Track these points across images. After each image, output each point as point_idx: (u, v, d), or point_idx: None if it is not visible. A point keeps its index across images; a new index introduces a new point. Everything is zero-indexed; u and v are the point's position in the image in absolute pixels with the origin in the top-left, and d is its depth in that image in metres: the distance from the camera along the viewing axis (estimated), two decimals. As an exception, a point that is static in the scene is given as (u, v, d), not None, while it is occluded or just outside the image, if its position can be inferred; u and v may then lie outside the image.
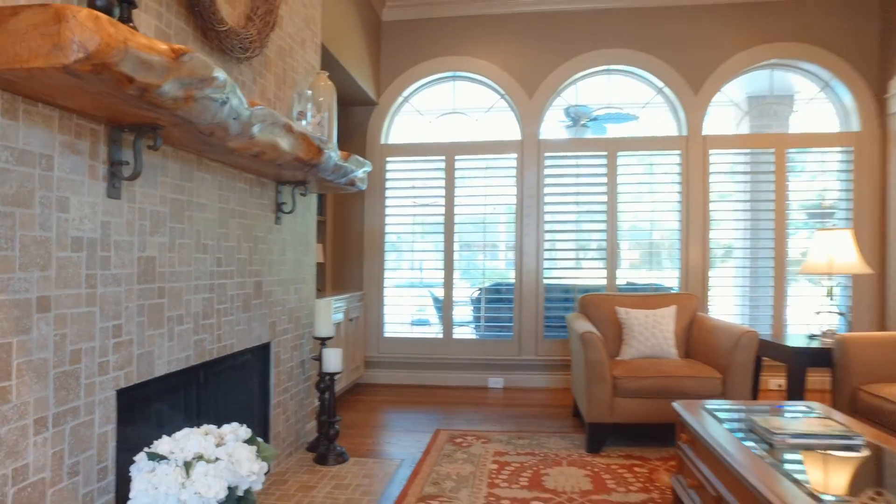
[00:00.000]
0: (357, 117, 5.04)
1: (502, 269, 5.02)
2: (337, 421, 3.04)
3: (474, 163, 4.95)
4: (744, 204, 4.80)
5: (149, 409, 2.05)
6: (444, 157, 4.92)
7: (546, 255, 4.83)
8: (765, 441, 1.93)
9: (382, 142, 5.04)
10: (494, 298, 4.99)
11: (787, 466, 1.68)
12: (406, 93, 5.05)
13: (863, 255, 4.49)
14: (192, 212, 2.23)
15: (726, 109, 5.03)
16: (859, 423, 2.09)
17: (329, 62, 3.91)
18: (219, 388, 2.45)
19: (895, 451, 1.83)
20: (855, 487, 1.62)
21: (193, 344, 2.22)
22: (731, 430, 2.05)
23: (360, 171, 3.13)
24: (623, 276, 4.98)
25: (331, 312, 3.14)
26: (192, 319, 2.22)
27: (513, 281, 4.85)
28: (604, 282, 4.77)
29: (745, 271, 4.77)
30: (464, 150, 4.92)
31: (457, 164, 4.92)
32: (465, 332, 5.09)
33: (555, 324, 4.83)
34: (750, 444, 1.89)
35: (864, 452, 1.82)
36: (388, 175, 5.01)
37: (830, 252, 3.33)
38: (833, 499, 1.48)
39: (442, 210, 4.91)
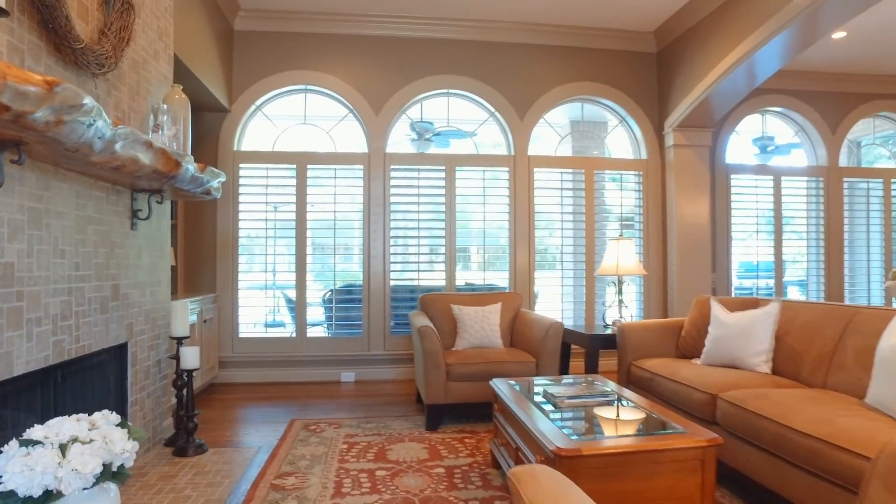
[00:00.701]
0: (209, 123, 5.12)
1: (353, 271, 5.39)
2: (195, 415, 3.23)
3: (325, 172, 5.26)
4: (565, 215, 5.64)
5: (6, 408, 2.15)
6: (295, 166, 5.18)
7: (392, 258, 5.29)
8: (551, 402, 2.53)
9: (235, 148, 5.17)
10: (345, 299, 5.35)
11: (552, 413, 2.29)
12: (259, 102, 5.23)
13: (650, 259, 5.52)
14: (51, 219, 2.35)
15: (548, 130, 5.86)
16: (628, 389, 2.78)
17: (181, 71, 4.02)
18: (77, 386, 2.56)
19: (631, 401, 2.53)
20: (589, 418, 2.25)
21: (52, 345, 2.34)
22: (525, 395, 2.64)
23: (216, 181, 3.34)
24: (463, 278, 5.61)
25: (187, 313, 3.31)
26: (51, 321, 2.34)
27: (362, 282, 5.25)
28: (444, 283, 5.34)
29: (569, 273, 5.60)
30: (315, 160, 5.22)
31: (309, 173, 5.20)
32: (317, 331, 5.39)
33: (401, 321, 5.31)
34: (542, 404, 2.48)
35: (610, 403, 2.50)
36: (241, 181, 5.16)
37: (617, 257, 4.16)
38: (559, 416, 2.10)
39: (294, 216, 5.16)
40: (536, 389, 2.80)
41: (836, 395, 2.59)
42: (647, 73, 5.73)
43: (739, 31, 4.41)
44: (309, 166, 5.21)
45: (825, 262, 6.15)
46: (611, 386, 2.86)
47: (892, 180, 6.45)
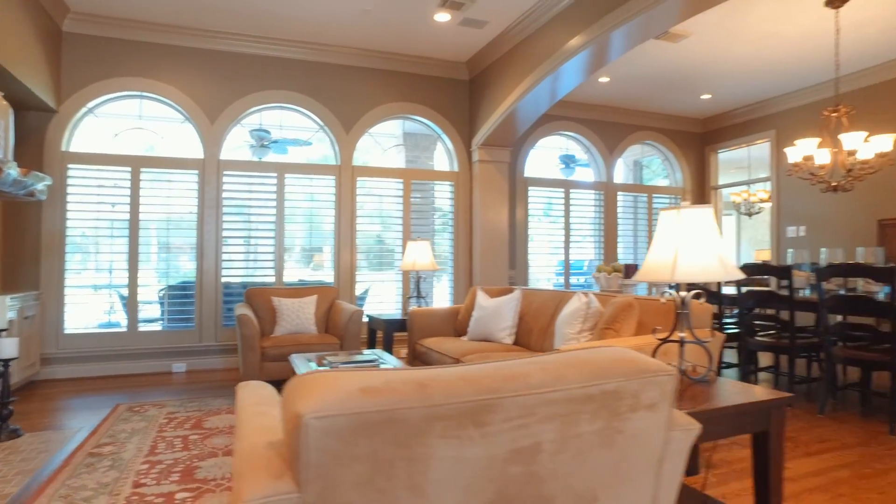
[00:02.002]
0: (33, 122, 5.21)
1: (188, 269, 5.75)
2: (11, 401, 3.52)
3: (160, 175, 5.58)
4: (392, 219, 6.40)
5: None
6: (130, 169, 5.44)
7: (225, 257, 5.74)
8: (317, 363, 3.24)
9: (63, 149, 5.32)
10: (180, 294, 5.70)
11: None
12: (92, 104, 5.42)
13: (459, 257, 6.43)
14: None
15: (381, 141, 6.61)
16: (414, 363, 3.55)
17: (0, 72, 4.15)
18: None
19: (386, 363, 3.32)
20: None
21: None
22: (308, 361, 3.34)
23: (41, 184, 3.65)
24: (297, 275, 6.20)
25: (5, 308, 3.59)
26: None
27: (195, 279, 5.64)
28: (274, 279, 5.88)
29: (400, 270, 6.37)
30: (150, 163, 5.52)
31: (142, 176, 5.49)
32: (151, 325, 5.68)
33: (233, 314, 5.77)
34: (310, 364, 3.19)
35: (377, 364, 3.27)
36: (71, 182, 5.32)
37: (414, 256, 5.00)
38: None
39: (128, 216, 5.43)
40: (324, 361, 3.50)
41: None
42: (461, 97, 6.68)
43: (526, 69, 5.44)
44: (143, 169, 5.49)
45: (604, 258, 7.52)
46: (384, 357, 3.64)
47: (654, 195, 8.01)
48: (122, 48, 5.45)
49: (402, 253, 6.22)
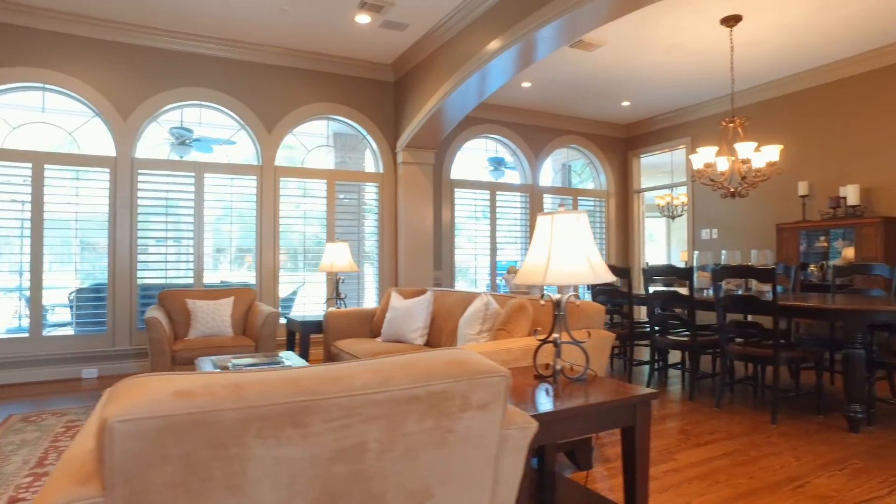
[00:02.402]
0: (-74, 117, 4.90)
1: (100, 271, 5.52)
2: None
3: (66, 173, 5.34)
4: (301, 220, 6.35)
5: None
6: (31, 165, 5.19)
7: (142, 258, 5.55)
8: (219, 367, 3.20)
9: (-41, 144, 5.02)
10: (91, 297, 5.47)
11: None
12: (-11, 98, 5.13)
13: (384, 257, 6.44)
14: None
15: (310, 140, 6.55)
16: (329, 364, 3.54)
17: None
18: None
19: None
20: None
21: None
22: (213, 365, 3.28)
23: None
24: (218, 276, 6.06)
25: None
26: None
27: (106, 281, 5.43)
28: (192, 281, 5.74)
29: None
30: (54, 160, 5.27)
31: (46, 173, 5.24)
32: (61, 330, 5.43)
33: (148, 318, 5.59)
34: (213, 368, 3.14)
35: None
36: (-33, 178, 5.03)
37: (332, 257, 4.98)
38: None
39: (29, 216, 5.17)
40: (228, 364, 3.45)
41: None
42: (386, 99, 6.70)
43: (448, 71, 5.51)
44: (47, 166, 5.25)
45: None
46: (291, 359, 3.62)
47: (580, 197, 8.27)
48: (23, 36, 5.19)
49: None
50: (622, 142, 8.68)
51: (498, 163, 8.75)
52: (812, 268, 6.07)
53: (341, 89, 6.46)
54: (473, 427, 1.27)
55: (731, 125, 4.77)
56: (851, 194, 5.68)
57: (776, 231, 6.20)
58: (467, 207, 7.38)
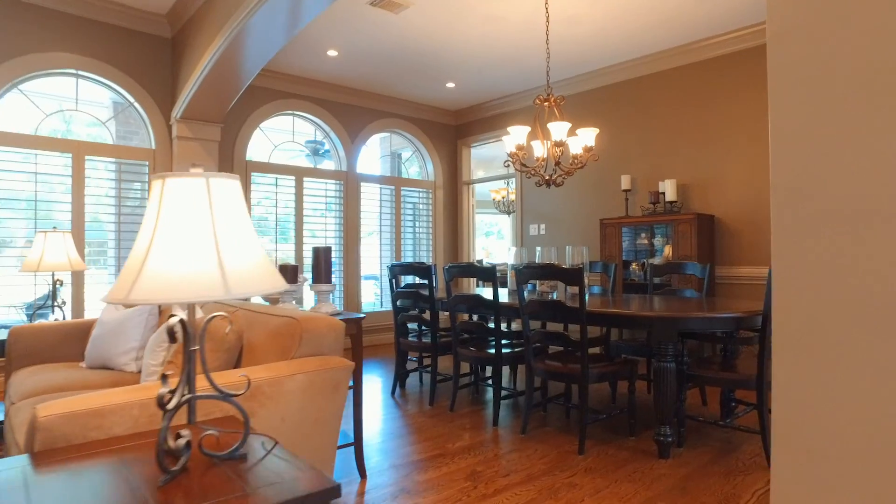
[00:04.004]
0: None
1: None
2: None
3: None
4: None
5: None
6: None
7: None
8: None
9: None
10: None
11: None
12: None
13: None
14: None
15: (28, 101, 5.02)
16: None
17: None
18: None
19: None
20: None
21: None
22: None
23: None
24: None
25: None
26: None
27: None
28: None
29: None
30: None
31: None
32: None
33: None
34: None
35: None
36: None
37: (43, 251, 3.66)
38: None
39: None
40: None
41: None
42: (161, 58, 5.38)
43: (218, 24, 4.37)
44: None
45: (343, 255, 6.76)
46: None
47: (403, 188, 7.49)
48: None
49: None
50: (452, 129, 8.04)
51: (319, 146, 7.72)
52: (634, 266, 5.78)
53: (104, 43, 5.03)
54: None
55: (545, 104, 4.18)
56: (669, 189, 5.43)
57: (600, 227, 5.84)
58: (268, 195, 6.27)
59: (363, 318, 2.83)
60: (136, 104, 5.31)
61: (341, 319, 2.73)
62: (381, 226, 7.26)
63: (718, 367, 3.17)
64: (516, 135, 4.12)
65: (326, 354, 2.14)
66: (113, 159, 5.23)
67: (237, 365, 2.21)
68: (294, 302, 2.97)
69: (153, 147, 5.38)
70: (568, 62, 6.00)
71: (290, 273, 2.89)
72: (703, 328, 2.94)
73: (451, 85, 6.73)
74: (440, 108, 7.73)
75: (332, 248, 6.61)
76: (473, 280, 7.88)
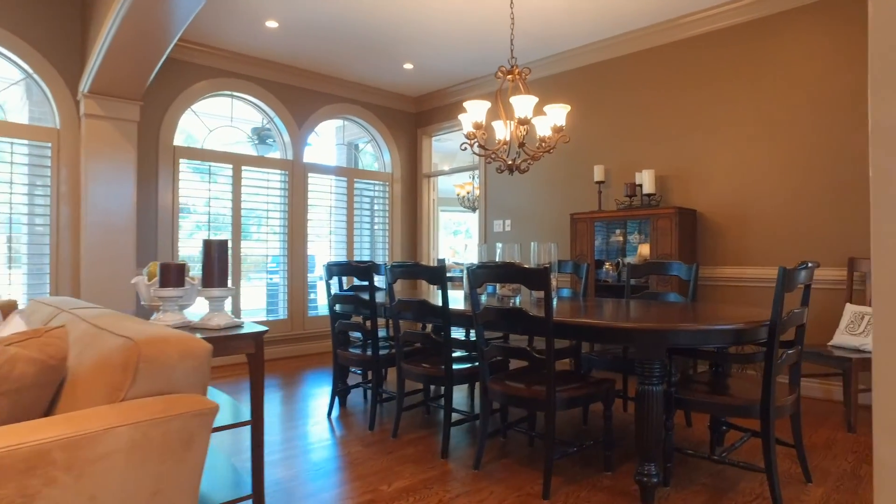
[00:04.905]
0: None
1: None
2: None
3: None
4: None
5: None
6: None
7: None
8: None
9: None
10: None
11: None
12: None
13: (60, 251, 4.41)
14: None
15: None
16: None
17: None
18: None
19: None
20: None
21: None
22: None
23: None
24: None
25: None
26: None
27: None
28: None
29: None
30: None
31: None
32: None
33: None
34: None
35: None
36: None
37: None
38: None
39: None
40: None
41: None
42: (68, 23, 4.64)
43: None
44: None
45: (288, 253, 6.08)
46: None
47: (356, 179, 6.83)
48: None
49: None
50: (411, 117, 7.41)
51: (264, 136, 7.03)
52: (608, 265, 5.23)
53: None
54: None
55: (509, 77, 3.58)
56: (647, 181, 4.89)
57: (570, 222, 5.28)
58: (200, 186, 5.55)
59: (265, 332, 2.19)
60: (36, 76, 4.55)
61: (236, 334, 2.08)
62: (332, 222, 6.59)
63: (710, 388, 2.61)
64: (474, 111, 3.51)
65: (180, 392, 1.49)
66: (7, 139, 4.46)
67: (51, 412, 1.54)
68: (180, 310, 2.31)
69: (57, 126, 4.63)
70: (535, 42, 5.42)
71: (172, 274, 2.23)
72: (696, 343, 2.37)
73: (408, 66, 6.10)
74: (398, 93, 7.09)
75: (278, 246, 5.93)
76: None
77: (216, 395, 2.57)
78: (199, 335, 2.06)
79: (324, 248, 6.60)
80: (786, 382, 2.73)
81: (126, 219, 4.69)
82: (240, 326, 2.24)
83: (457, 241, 15.04)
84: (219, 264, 2.24)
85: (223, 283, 2.26)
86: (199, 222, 5.57)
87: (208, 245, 2.24)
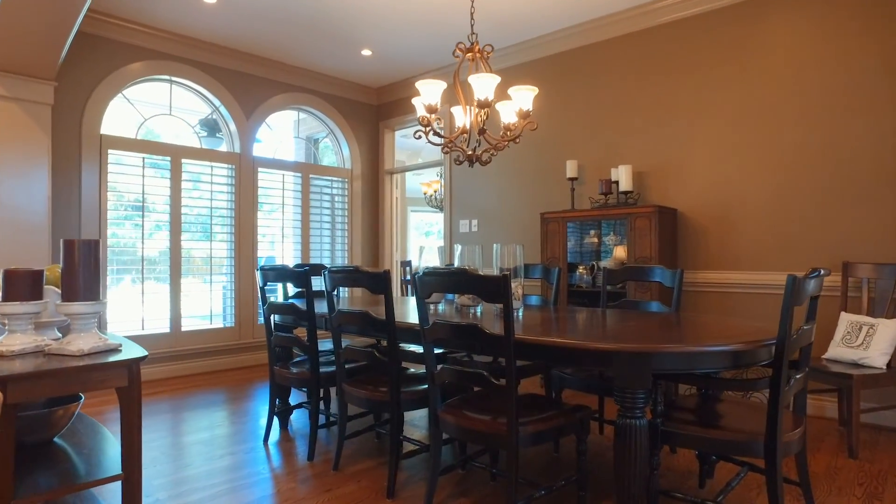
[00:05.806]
0: None
1: None
2: None
3: None
4: None
5: None
6: None
7: None
8: None
9: None
10: None
11: None
12: None
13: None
14: None
15: None
16: None
17: None
18: None
19: None
20: None
21: None
22: None
23: None
24: None
25: None
26: None
27: None
28: None
29: None
30: None
31: None
32: None
33: None
34: None
35: None
36: None
37: None
38: None
39: None
40: None
41: None
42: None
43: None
44: None
45: (236, 254, 5.54)
46: None
47: (312, 175, 6.31)
48: None
49: None
50: (373, 110, 6.92)
51: (213, 129, 6.47)
52: (582, 269, 4.82)
53: None
54: None
55: (468, 55, 3.13)
56: (623, 177, 4.49)
57: (541, 222, 4.84)
58: (134, 180, 4.98)
59: (142, 358, 1.69)
60: (-68, 52, 3.95)
61: (102, 363, 1.58)
62: (285, 221, 6.06)
63: (701, 419, 2.19)
64: (428, 93, 3.04)
65: None
66: None
67: None
68: (35, 329, 1.80)
69: (-42, 110, 4.04)
70: (500, 27, 4.98)
71: (22, 283, 1.72)
72: (687, 367, 1.95)
73: (366, 52, 5.61)
74: (358, 83, 6.60)
75: (225, 247, 5.37)
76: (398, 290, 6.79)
77: (99, 429, 2.06)
78: (53, 364, 1.55)
79: (287, 250, 6.07)
80: (788, 411, 2.32)
81: (39, 215, 4.12)
82: (113, 351, 1.73)
83: (429, 242, 14.56)
84: (84, 271, 1.74)
85: (91, 296, 1.75)
86: (136, 223, 4.99)
87: (69, 246, 1.73)
